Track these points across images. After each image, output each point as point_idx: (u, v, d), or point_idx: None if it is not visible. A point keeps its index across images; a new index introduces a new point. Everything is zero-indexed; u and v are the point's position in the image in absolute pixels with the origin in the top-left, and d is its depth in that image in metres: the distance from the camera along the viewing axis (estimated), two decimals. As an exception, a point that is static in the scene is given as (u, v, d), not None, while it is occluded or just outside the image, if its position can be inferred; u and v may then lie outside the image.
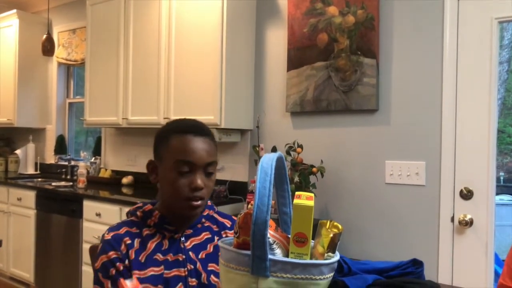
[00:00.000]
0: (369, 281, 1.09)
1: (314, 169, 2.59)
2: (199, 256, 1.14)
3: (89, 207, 3.21)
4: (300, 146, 2.66)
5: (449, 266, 2.25)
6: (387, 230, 2.47)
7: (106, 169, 4.00)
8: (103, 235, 1.11)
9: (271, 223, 0.84)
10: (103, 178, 3.91)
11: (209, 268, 1.13)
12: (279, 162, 0.87)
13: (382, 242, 2.48)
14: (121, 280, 0.88)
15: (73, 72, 4.73)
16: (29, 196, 3.72)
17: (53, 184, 3.92)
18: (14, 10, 4.46)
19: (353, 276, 1.13)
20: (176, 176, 1.07)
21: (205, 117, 2.90)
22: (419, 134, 2.38)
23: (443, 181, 2.28)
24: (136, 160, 3.87)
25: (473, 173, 2.20)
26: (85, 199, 3.25)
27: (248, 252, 0.74)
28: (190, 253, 1.13)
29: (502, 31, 2.52)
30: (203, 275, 1.11)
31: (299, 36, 2.79)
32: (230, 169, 3.19)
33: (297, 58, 2.80)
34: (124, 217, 2.95)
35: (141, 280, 1.05)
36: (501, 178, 3.36)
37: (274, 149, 2.75)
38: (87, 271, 3.19)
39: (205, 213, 1.20)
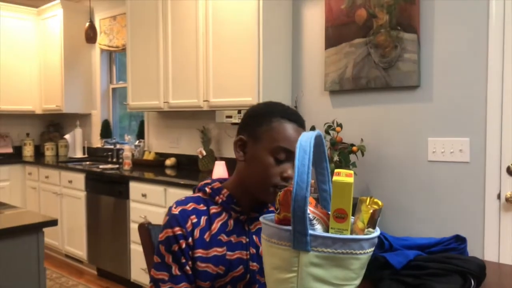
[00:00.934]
0: (410, 256, 1.09)
1: (354, 148, 2.57)
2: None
3: (135, 188, 3.34)
4: (340, 125, 2.64)
5: (496, 243, 2.20)
6: (430, 208, 2.43)
7: (149, 152, 4.13)
8: (170, 208, 1.09)
9: (311, 200, 0.86)
10: (147, 160, 4.04)
11: None
12: (318, 140, 0.88)
13: (425, 220, 2.45)
14: None
15: (115, 58, 4.87)
16: (79, 179, 3.91)
17: (101, 167, 4.09)
18: (58, 0, 4.62)
19: (394, 252, 1.13)
20: (272, 161, 1.04)
21: (244, 99, 2.93)
22: (463, 110, 2.31)
23: (489, 158, 2.21)
24: (178, 143, 3.98)
25: (521, 149, 2.12)
26: (131, 181, 3.39)
27: (289, 228, 0.76)
28: (254, 236, 1.12)
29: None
30: None
31: (337, 13, 2.74)
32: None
33: (335, 36, 2.76)
34: (169, 197, 3.07)
35: (203, 260, 1.05)
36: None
37: (313, 129, 2.75)
38: (135, 249, 3.34)
39: None
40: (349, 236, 0.77)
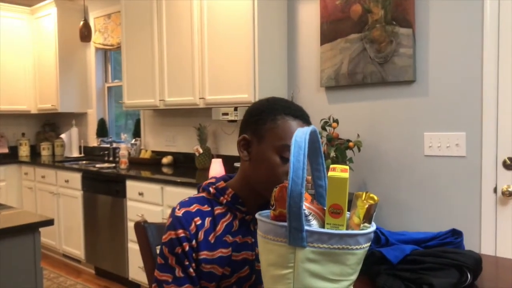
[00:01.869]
0: (406, 251, 1.09)
1: (351, 144, 2.57)
2: None
3: (132, 187, 3.34)
4: (336, 121, 2.64)
5: (492, 237, 2.20)
6: (427, 202, 2.43)
7: (146, 150, 4.12)
8: (174, 209, 1.07)
9: (306, 196, 0.86)
10: (144, 158, 4.03)
11: None
12: (313, 136, 0.88)
13: (422, 215, 2.46)
14: None
15: (110, 57, 4.85)
16: (76, 178, 3.90)
17: (97, 166, 4.08)
18: (52, -1, 4.60)
19: (390, 246, 1.13)
20: (278, 160, 1.02)
21: (239, 96, 2.93)
22: (459, 104, 2.31)
23: (485, 152, 2.22)
24: (174, 141, 3.97)
25: (517, 143, 2.13)
26: (128, 180, 3.38)
27: (285, 224, 0.76)
28: None
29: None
30: None
31: (332, 9, 2.74)
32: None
33: (330, 31, 2.75)
34: (166, 195, 3.06)
35: (208, 261, 1.04)
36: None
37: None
38: (132, 248, 3.34)
39: None
40: (345, 231, 0.76)
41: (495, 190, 2.20)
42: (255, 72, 2.86)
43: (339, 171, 0.80)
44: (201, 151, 3.47)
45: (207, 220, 1.07)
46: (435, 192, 2.41)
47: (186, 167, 3.71)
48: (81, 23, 4.38)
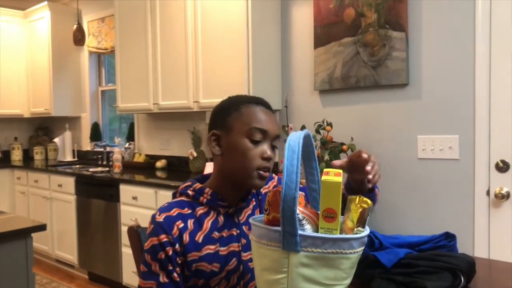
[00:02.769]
0: (400, 255, 1.09)
1: (345, 147, 2.58)
2: None
3: (126, 191, 3.32)
4: (330, 124, 2.64)
5: (486, 239, 2.21)
6: (421, 205, 2.44)
7: (140, 154, 4.11)
8: (154, 216, 1.08)
9: (300, 200, 0.86)
10: (138, 162, 4.02)
11: None
12: (307, 140, 0.88)
13: (416, 218, 2.46)
14: None
15: (104, 61, 4.84)
16: (69, 182, 3.87)
17: (91, 170, 4.06)
18: (45, 2, 4.57)
19: (384, 250, 1.13)
20: (249, 144, 1.05)
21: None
22: (452, 107, 2.32)
23: (478, 154, 2.23)
24: (168, 144, 3.96)
25: (509, 145, 2.14)
26: (121, 184, 3.36)
27: (279, 228, 0.76)
28: (244, 227, 1.12)
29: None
30: None
31: (326, 13, 2.75)
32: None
33: (324, 35, 2.76)
34: (159, 199, 3.05)
35: (197, 260, 1.05)
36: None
37: (303, 128, 2.75)
38: (126, 253, 3.32)
39: None
40: (338, 235, 0.76)
41: (488, 193, 2.21)
42: (249, 76, 2.86)
43: (332, 175, 0.80)
44: (195, 154, 3.46)
45: (190, 222, 1.07)
46: (428, 194, 2.41)
47: (180, 171, 3.69)
48: (75, 26, 4.36)
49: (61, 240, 4.04)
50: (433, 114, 2.39)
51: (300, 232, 0.75)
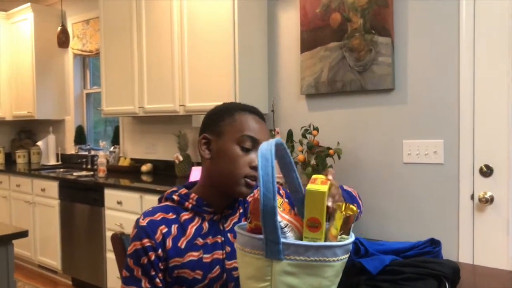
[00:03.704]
0: (386, 261, 1.09)
1: (331, 151, 2.58)
2: None
3: (110, 195, 3.27)
4: (316, 129, 2.64)
5: (470, 244, 2.23)
6: (406, 210, 2.45)
7: (125, 158, 4.06)
8: (138, 220, 1.07)
9: (285, 206, 0.85)
10: (123, 166, 3.97)
11: None
12: (281, 150, 0.87)
13: (401, 222, 2.47)
14: None
15: (88, 63, 4.78)
16: (52, 187, 3.81)
17: (75, 174, 4.00)
18: (28, 4, 4.51)
19: (370, 257, 1.13)
20: (238, 151, 1.05)
21: (220, 103, 2.90)
22: (437, 112, 2.34)
23: (462, 159, 2.25)
24: (154, 148, 3.92)
25: (493, 150, 2.16)
26: (106, 188, 3.32)
27: (261, 236, 0.75)
28: (229, 234, 1.11)
29: (521, 3, 2.43)
30: None
31: (312, 17, 2.75)
32: (247, 154, 3.20)
33: (310, 40, 2.77)
34: (145, 204, 3.01)
35: (179, 267, 1.04)
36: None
37: (290, 133, 2.74)
38: (111, 258, 3.27)
39: None
40: (321, 243, 0.75)
41: (472, 197, 2.22)
42: (235, 80, 2.85)
43: (319, 183, 0.79)
44: (181, 158, 3.44)
45: (174, 227, 1.06)
46: (413, 199, 2.43)
47: (166, 175, 3.66)
48: (59, 28, 4.30)
49: (44, 245, 3.97)
50: (418, 119, 2.41)
51: (283, 240, 0.74)
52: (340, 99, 2.71)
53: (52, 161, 4.74)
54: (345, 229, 0.78)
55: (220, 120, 1.10)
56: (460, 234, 2.25)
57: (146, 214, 1.08)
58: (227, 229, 1.12)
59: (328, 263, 0.74)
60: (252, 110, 1.11)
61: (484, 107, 2.19)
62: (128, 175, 3.75)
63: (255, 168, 1.05)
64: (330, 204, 0.83)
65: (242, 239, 0.81)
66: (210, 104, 2.98)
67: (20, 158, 4.95)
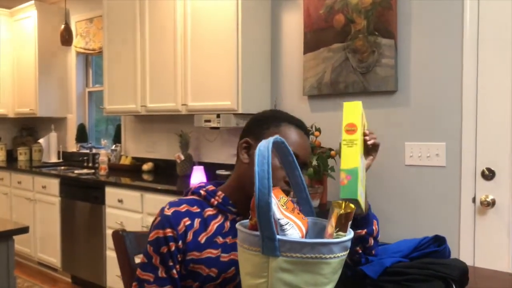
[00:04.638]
0: (386, 264, 1.08)
1: (333, 153, 2.57)
2: None
3: (111, 193, 3.27)
4: (318, 130, 2.64)
5: (471, 247, 2.22)
6: (407, 212, 2.44)
7: (126, 156, 4.06)
8: (162, 209, 1.07)
9: (288, 204, 0.85)
10: (124, 165, 3.97)
11: None
12: (284, 149, 0.87)
13: (402, 224, 2.46)
14: None
15: (91, 61, 4.79)
16: (53, 184, 3.81)
17: (76, 172, 4.01)
18: (32, 1, 4.52)
19: (369, 263, 1.12)
20: (277, 163, 1.02)
21: (222, 103, 2.91)
22: (439, 114, 2.33)
23: (464, 162, 2.24)
24: (155, 147, 3.92)
25: (495, 153, 2.15)
26: (107, 186, 3.32)
27: (258, 233, 0.75)
28: None
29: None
30: None
31: (315, 18, 2.75)
32: (248, 154, 3.20)
33: (313, 41, 2.76)
34: (145, 203, 3.01)
35: (196, 261, 1.04)
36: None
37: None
38: (111, 256, 3.27)
39: None
40: (317, 240, 0.75)
41: (473, 200, 2.21)
42: (238, 79, 2.84)
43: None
44: (182, 158, 3.43)
45: (197, 221, 1.07)
46: (415, 202, 2.42)
47: (167, 174, 3.66)
48: (62, 26, 4.31)
49: (44, 242, 3.97)
50: (421, 121, 2.40)
51: (279, 237, 0.73)
52: (343, 100, 2.69)
53: (54, 159, 4.74)
54: (339, 227, 0.78)
55: (265, 127, 1.10)
56: (461, 237, 2.24)
57: (172, 204, 1.08)
58: None
59: (324, 260, 0.74)
60: (298, 124, 1.12)
61: (486, 110, 2.18)
62: (129, 173, 3.75)
63: (288, 183, 1.04)
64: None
65: (241, 236, 0.82)
66: (212, 103, 3.00)
67: (22, 155, 4.96)
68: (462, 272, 1.06)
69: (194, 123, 3.13)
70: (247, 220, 0.88)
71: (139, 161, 3.95)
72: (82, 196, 3.54)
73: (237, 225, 0.85)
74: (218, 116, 2.96)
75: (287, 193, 1.05)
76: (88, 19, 4.51)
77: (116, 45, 3.66)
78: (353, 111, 0.92)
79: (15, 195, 4.27)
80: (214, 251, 1.05)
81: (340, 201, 0.81)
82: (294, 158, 0.90)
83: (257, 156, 0.75)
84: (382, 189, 2.54)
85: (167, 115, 3.56)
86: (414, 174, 2.42)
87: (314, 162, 2.53)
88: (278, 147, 0.91)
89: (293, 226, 0.81)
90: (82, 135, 4.65)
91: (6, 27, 4.82)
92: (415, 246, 1.24)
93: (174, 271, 1.03)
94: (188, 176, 3.29)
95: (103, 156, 3.82)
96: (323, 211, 2.40)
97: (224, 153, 3.35)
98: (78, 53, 4.69)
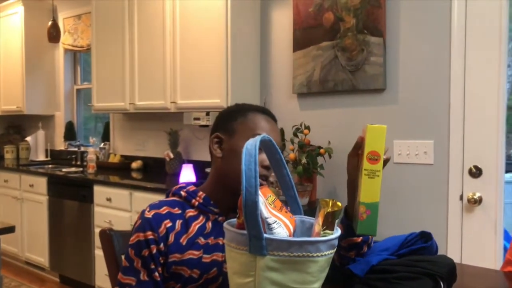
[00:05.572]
0: (372, 262, 1.08)
1: (322, 151, 2.58)
2: None
3: (100, 192, 3.25)
4: (307, 128, 2.64)
5: (458, 244, 2.24)
6: (395, 210, 2.46)
7: (115, 154, 4.03)
8: (143, 211, 1.07)
9: (276, 203, 0.85)
10: (113, 163, 3.94)
11: None
12: (271, 147, 0.86)
13: (390, 222, 2.47)
14: None
15: (79, 59, 4.74)
16: (41, 182, 3.77)
17: (64, 170, 3.96)
18: (19, -3, 4.46)
19: (356, 262, 1.13)
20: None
21: (212, 100, 2.90)
22: (427, 112, 2.34)
23: (452, 160, 2.26)
24: (144, 145, 3.90)
25: (482, 151, 2.17)
26: (95, 185, 3.29)
27: (245, 232, 0.74)
28: None
29: (512, 5, 2.45)
30: None
31: (305, 16, 2.75)
32: (238, 152, 3.19)
33: (303, 39, 2.76)
34: (134, 201, 2.99)
35: (178, 263, 1.03)
36: (511, 155, 3.31)
37: (281, 131, 2.74)
38: (99, 255, 3.24)
39: None
40: (304, 238, 0.75)
41: (461, 198, 2.23)
42: (227, 77, 2.83)
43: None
44: (171, 156, 3.42)
45: (178, 223, 1.06)
46: (403, 199, 2.43)
47: (156, 172, 3.64)
48: (50, 23, 4.26)
49: (31, 241, 3.93)
50: (409, 119, 2.41)
51: (266, 235, 0.73)
52: (332, 99, 2.71)
53: (41, 157, 4.69)
54: (326, 225, 0.78)
55: (232, 119, 1.11)
56: (449, 234, 2.26)
57: (152, 207, 1.07)
58: None
59: (312, 258, 0.73)
60: (264, 111, 1.14)
61: (474, 108, 2.20)
62: (118, 172, 3.72)
63: (266, 167, 1.05)
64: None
65: (228, 235, 0.81)
66: (202, 101, 2.99)
67: (9, 154, 4.90)
68: (450, 269, 1.07)
69: (184, 121, 3.12)
70: (235, 219, 0.88)
71: (128, 159, 3.92)
72: (70, 194, 3.50)
73: (225, 224, 0.84)
74: (207, 113, 2.95)
75: (265, 178, 1.07)
76: (76, 16, 4.47)
77: (105, 42, 3.63)
78: (378, 137, 0.85)
79: (2, 194, 4.22)
80: (196, 252, 1.05)
81: (327, 200, 0.81)
82: (282, 156, 0.90)
83: (244, 155, 0.75)
84: (371, 187, 2.54)
85: (156, 113, 3.54)
86: (402, 172, 2.43)
87: (304, 160, 2.54)
88: (266, 146, 0.91)
89: (280, 225, 0.80)
90: (70, 133, 4.61)
91: (-9, 23, 4.75)
92: (402, 242, 1.25)
93: (156, 273, 1.02)
94: (177, 174, 3.27)
95: (92, 154, 3.79)
96: (312, 209, 2.41)
97: (214, 151, 3.33)
98: (66, 50, 4.63)
